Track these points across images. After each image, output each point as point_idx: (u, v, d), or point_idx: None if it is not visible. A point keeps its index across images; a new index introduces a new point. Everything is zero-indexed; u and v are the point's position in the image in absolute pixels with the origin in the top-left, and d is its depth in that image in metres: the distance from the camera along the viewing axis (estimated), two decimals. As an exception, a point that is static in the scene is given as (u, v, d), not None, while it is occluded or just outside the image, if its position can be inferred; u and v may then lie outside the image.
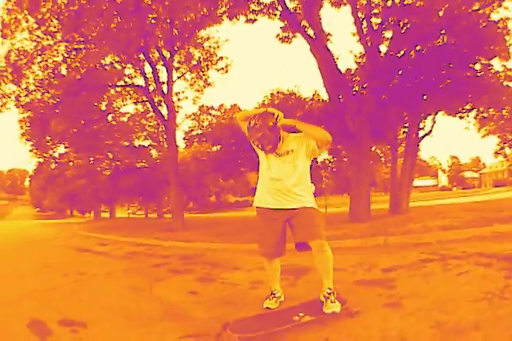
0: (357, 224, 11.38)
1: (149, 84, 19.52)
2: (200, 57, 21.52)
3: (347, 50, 16.71)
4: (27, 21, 15.50)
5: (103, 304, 4.65)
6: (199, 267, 7.03)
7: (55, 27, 15.56)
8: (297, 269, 5.65)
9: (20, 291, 5.59)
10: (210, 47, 21.40)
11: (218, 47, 21.50)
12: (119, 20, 13.61)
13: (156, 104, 19.70)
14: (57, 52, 17.15)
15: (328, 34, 14.72)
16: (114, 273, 7.24)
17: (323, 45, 13.38)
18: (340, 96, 13.79)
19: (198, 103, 25.96)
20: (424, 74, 12.46)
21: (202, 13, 16.64)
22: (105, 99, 22.70)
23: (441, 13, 12.55)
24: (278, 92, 24.37)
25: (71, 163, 39.37)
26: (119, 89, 21.93)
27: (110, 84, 19.72)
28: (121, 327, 3.75)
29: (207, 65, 21.96)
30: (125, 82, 20.62)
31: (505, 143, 31.76)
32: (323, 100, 21.53)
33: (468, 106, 15.43)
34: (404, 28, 12.94)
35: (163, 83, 19.15)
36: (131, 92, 23.15)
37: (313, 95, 23.08)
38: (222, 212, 49.69)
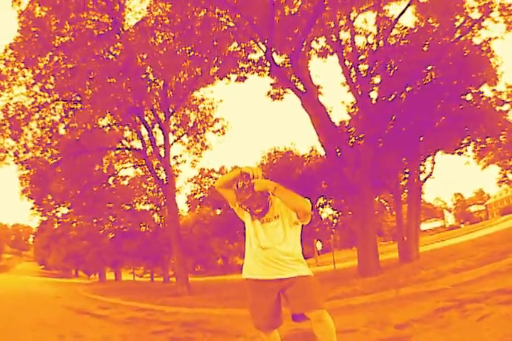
0: (367, 278, 10.82)
1: (146, 148, 19.38)
2: (196, 120, 21.68)
3: (339, 101, 16.82)
4: (24, 76, 15.69)
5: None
6: (200, 335, 6.61)
7: (51, 84, 15.80)
8: (306, 334, 5.12)
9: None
10: (205, 108, 21.64)
11: (213, 108, 21.71)
12: (112, 80, 13.76)
13: (154, 168, 19.63)
14: (55, 111, 17.34)
15: (319, 87, 14.84)
16: (112, 338, 6.86)
17: (314, 99, 13.42)
18: (338, 150, 13.62)
19: (197, 166, 26.00)
20: (418, 114, 12.33)
21: (195, 73, 16.87)
22: (105, 162, 22.78)
23: (425, 48, 12.62)
24: (275, 152, 24.45)
25: (74, 224, 38.97)
26: (117, 151, 22.01)
27: (109, 147, 19.77)
28: None
29: (203, 128, 22.08)
30: (123, 144, 20.63)
31: (507, 170, 31.36)
32: (320, 156, 21.56)
33: (465, 141, 15.15)
34: (392, 70, 13.03)
35: (160, 146, 19.12)
36: (130, 155, 23.37)
37: (311, 151, 23.21)
38: (230, 274, 48.65)
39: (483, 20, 12.79)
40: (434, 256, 14.10)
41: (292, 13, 13.12)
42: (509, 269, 6.54)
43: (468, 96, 13.10)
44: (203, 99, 21.43)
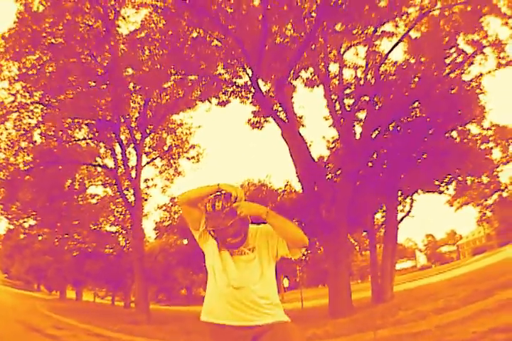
0: (339, 319, 10.18)
1: (118, 167, 18.64)
2: (171, 144, 21.08)
3: (320, 135, 16.66)
4: (9, 71, 15.12)
5: None
6: None
7: (34, 85, 15.26)
8: None
9: None
10: (182, 133, 21.13)
11: (190, 133, 21.24)
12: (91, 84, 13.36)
13: (123, 189, 18.92)
14: (33, 114, 16.55)
15: (301, 118, 14.77)
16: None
17: (295, 130, 13.19)
18: (315, 185, 13.24)
19: (168, 192, 25.08)
20: (400, 152, 12.23)
21: (177, 96, 16.72)
22: (77, 177, 21.80)
23: (413, 85, 12.65)
24: (248, 183, 24.11)
25: (40, 237, 37.59)
26: (90, 168, 21.11)
27: (82, 161, 19.00)
28: None
29: (178, 153, 21.47)
30: (95, 161, 19.76)
31: (487, 208, 31.32)
32: (295, 191, 21.29)
33: (447, 179, 14.96)
34: (377, 106, 12.96)
35: (132, 168, 18.47)
36: (102, 173, 22.39)
37: (286, 186, 22.79)
38: (193, 305, 47.40)
39: (475, 55, 12.94)
40: (410, 295, 13.69)
41: (283, 42, 13.15)
42: (498, 307, 6.16)
43: (454, 133, 13.10)
44: (181, 124, 20.99)
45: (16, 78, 15.27)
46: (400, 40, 13.20)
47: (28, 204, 19.84)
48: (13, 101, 15.91)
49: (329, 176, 15.38)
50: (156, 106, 18.17)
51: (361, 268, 56.03)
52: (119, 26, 15.42)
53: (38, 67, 14.69)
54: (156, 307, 45.27)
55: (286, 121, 13.12)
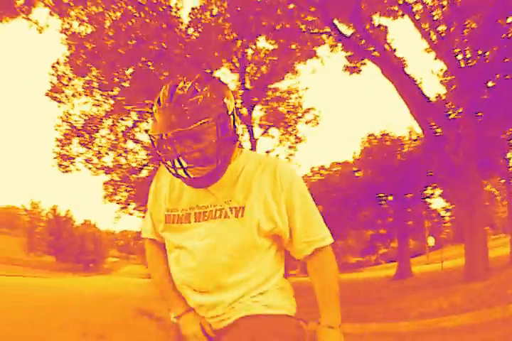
0: (472, 284, 9.06)
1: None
2: (283, 111, 20.85)
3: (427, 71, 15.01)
4: (85, 86, 16.16)
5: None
6: None
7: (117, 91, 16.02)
8: None
9: None
10: (292, 99, 20.78)
11: (300, 97, 20.75)
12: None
13: None
14: (127, 116, 17.54)
15: (400, 56, 13.60)
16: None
17: (398, 68, 12.14)
18: (435, 126, 12.09)
19: (293, 161, 24.59)
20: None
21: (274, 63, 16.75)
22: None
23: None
24: (369, 136, 22.75)
25: None
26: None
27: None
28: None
29: (294, 119, 21.16)
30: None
31: None
32: (419, 137, 19.62)
33: None
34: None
35: (245, 142, 18.80)
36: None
37: (410, 133, 21.36)
38: (342, 273, 47.46)
39: None
40: None
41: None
42: None
43: None
44: (288, 90, 20.51)
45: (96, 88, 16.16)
46: None
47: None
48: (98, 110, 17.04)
49: (453, 115, 13.61)
50: (255, 79, 18.13)
51: (503, 220, 49.63)
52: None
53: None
54: (296, 279, 46.15)
55: (379, 55, 12.16)
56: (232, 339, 1.57)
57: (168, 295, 1.73)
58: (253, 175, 1.53)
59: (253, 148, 18.03)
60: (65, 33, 14.65)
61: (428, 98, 12.18)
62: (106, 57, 13.10)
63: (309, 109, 20.89)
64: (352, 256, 61.83)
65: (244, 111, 18.53)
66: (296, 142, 22.13)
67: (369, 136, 22.96)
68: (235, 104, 1.45)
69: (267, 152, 22.06)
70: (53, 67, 15.60)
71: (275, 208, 1.51)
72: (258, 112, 20.33)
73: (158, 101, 1.38)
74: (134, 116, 16.96)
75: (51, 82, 15.86)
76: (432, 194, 20.88)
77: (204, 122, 1.30)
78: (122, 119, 17.13)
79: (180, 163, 1.40)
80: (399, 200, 21.24)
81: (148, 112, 16.26)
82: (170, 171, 1.44)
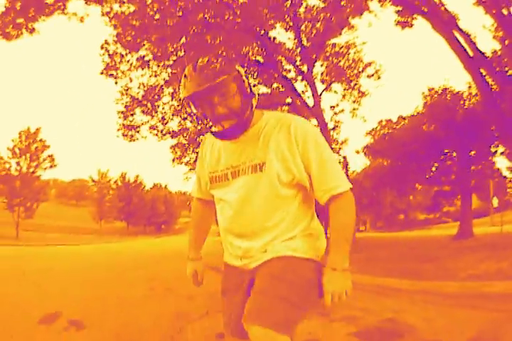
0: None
1: (296, 99, 18.96)
2: (344, 66, 20.68)
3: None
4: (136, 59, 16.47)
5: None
6: None
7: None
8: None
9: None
10: (351, 53, 20.58)
11: (359, 51, 20.56)
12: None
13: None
14: None
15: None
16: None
17: (448, 22, 11.40)
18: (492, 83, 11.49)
19: (357, 115, 24.31)
20: None
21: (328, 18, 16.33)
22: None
23: None
24: (430, 90, 21.93)
25: None
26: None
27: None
28: None
29: (355, 74, 21.02)
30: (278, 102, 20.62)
31: None
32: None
33: None
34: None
35: (308, 97, 18.83)
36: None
37: (469, 88, 20.25)
38: (410, 230, 46.96)
39: None
40: None
41: None
42: None
43: None
44: (347, 45, 20.23)
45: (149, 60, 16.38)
46: None
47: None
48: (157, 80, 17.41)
49: (508, 72, 13.08)
50: (312, 36, 17.90)
51: None
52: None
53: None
54: (374, 234, 46.02)
55: (426, 10, 11.62)
56: (256, 276, 1.91)
57: (190, 243, 2.36)
58: (271, 134, 1.83)
59: (316, 105, 17.87)
60: (107, 16, 14.99)
61: (483, 53, 11.50)
62: (155, 31, 13.37)
63: (370, 63, 20.75)
64: (420, 212, 60.81)
65: (304, 68, 18.41)
66: (360, 96, 22.04)
67: (429, 90, 22.16)
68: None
69: (332, 107, 22.66)
70: (102, 47, 16.02)
71: (291, 160, 1.79)
72: (319, 68, 20.37)
73: (185, 75, 1.79)
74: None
75: (103, 61, 16.34)
76: (495, 152, 20.00)
77: (224, 78, 1.70)
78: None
79: (213, 117, 1.79)
80: (463, 157, 20.55)
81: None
82: (206, 128, 1.89)
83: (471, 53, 11.06)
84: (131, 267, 11.93)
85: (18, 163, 35.69)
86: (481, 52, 11.25)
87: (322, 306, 1.84)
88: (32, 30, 13.99)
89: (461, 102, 20.19)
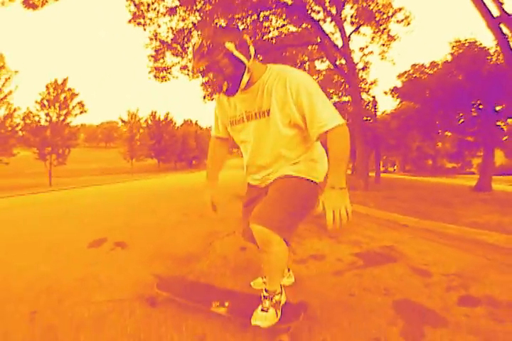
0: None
1: (325, 40, 18.72)
2: (373, 9, 20.10)
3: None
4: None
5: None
6: (307, 226, 6.55)
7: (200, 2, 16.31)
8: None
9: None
10: None
11: None
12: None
13: (335, 60, 19.70)
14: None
15: None
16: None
17: None
18: None
19: (387, 58, 23.99)
20: None
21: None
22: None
23: None
24: (457, 41, 21.37)
25: None
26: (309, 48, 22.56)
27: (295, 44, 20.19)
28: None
29: (384, 18, 20.58)
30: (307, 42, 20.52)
31: None
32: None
33: None
34: None
35: (337, 39, 19.28)
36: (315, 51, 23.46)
37: (496, 45, 19.58)
38: (434, 176, 46.81)
39: None
40: None
41: None
42: None
43: None
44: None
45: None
46: None
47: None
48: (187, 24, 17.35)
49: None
50: None
51: None
52: None
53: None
54: (399, 176, 46.09)
55: None
56: (267, 189, 2.64)
57: (207, 174, 2.99)
58: (272, 85, 2.37)
59: (345, 45, 17.98)
60: None
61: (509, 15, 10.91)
62: None
63: (400, 8, 20.23)
64: (447, 160, 60.19)
65: (333, 10, 18.29)
66: (389, 40, 21.88)
67: (456, 41, 21.61)
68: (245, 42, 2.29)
69: (361, 48, 23.25)
70: None
71: (288, 106, 2.34)
72: (348, 11, 20.48)
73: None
74: (222, 22, 17.32)
75: (130, 11, 16.53)
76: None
77: (210, 61, 2.21)
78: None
79: (220, 83, 2.32)
80: (488, 110, 20.32)
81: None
82: (216, 88, 2.43)
83: (497, 12, 10.72)
84: (166, 199, 12.64)
85: (47, 114, 36.07)
86: (506, 12, 10.77)
87: (314, 214, 2.41)
88: None
89: (488, 57, 19.68)
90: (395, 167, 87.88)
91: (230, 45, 2.19)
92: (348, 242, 5.24)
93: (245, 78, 2.32)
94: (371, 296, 3.15)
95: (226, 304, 2.76)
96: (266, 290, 2.60)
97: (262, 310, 2.51)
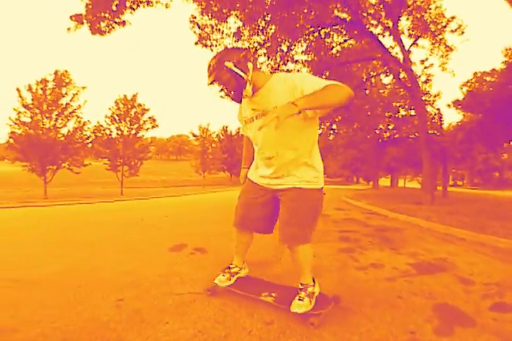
0: None
1: (385, 54, 18.99)
2: (428, 20, 20.25)
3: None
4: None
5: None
6: (371, 239, 7.06)
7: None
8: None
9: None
10: (432, 8, 20.12)
11: (439, 7, 20.08)
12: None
13: (398, 74, 19.98)
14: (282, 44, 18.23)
15: None
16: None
17: None
18: None
19: (447, 70, 23.81)
20: None
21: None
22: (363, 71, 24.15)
23: None
24: (507, 49, 21.02)
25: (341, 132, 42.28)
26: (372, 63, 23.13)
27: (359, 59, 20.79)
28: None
29: (440, 28, 20.66)
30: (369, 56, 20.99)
31: None
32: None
33: None
34: None
35: (397, 53, 19.51)
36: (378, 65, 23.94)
37: None
38: (502, 190, 45.11)
39: None
40: None
41: None
42: None
43: None
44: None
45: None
46: None
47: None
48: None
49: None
50: None
51: None
52: None
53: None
54: (466, 190, 44.67)
55: None
56: (281, 202, 3.18)
57: (243, 160, 3.75)
58: (277, 88, 2.82)
59: (405, 58, 18.17)
60: None
61: None
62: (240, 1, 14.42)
63: (452, 17, 20.32)
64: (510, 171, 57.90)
65: (389, 23, 18.55)
66: (447, 51, 21.96)
67: (506, 49, 21.25)
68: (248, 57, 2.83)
69: (422, 61, 23.65)
70: (191, 21, 16.69)
71: (293, 98, 2.64)
72: (405, 22, 20.21)
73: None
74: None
75: (195, 33, 17.04)
76: None
77: (213, 78, 2.76)
78: (279, 45, 17.76)
79: (228, 92, 2.90)
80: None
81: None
82: (230, 96, 3.01)
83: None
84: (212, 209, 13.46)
85: (118, 128, 37.33)
86: None
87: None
88: (122, 23, 14.52)
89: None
90: (464, 181, 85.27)
91: (229, 64, 2.72)
92: (407, 253, 5.73)
93: (248, 87, 2.83)
94: (415, 299, 3.70)
95: (273, 294, 3.38)
96: (301, 284, 3.25)
97: (299, 299, 3.13)
